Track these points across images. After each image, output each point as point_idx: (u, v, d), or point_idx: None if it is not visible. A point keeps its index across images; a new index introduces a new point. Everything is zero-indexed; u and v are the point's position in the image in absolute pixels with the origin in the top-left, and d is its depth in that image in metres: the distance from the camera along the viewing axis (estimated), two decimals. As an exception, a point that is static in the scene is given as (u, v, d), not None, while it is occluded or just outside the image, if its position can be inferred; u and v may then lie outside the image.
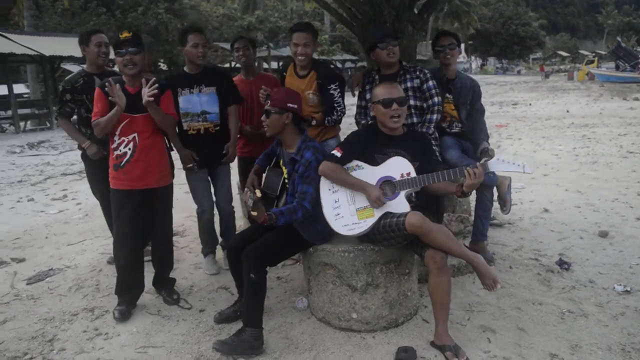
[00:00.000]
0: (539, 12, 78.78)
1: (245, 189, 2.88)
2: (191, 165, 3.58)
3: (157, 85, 3.04)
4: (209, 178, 3.81)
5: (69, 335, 3.02)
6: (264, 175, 3.08)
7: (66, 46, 16.46)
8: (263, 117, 2.92)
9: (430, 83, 3.39)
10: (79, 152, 3.85)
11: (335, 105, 3.51)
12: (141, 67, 3.14)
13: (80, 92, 3.67)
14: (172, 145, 3.55)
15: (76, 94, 3.67)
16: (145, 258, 3.52)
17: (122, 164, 3.16)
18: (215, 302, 3.37)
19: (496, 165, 2.56)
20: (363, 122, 3.55)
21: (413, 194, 2.80)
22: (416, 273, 3.09)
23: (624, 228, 4.44)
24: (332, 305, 2.92)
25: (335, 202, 2.76)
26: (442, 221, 3.45)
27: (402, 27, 3.75)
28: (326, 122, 3.53)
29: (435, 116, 3.37)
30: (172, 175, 3.45)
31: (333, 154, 2.78)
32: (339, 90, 3.51)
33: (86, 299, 3.49)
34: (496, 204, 3.76)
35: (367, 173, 2.75)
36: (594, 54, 55.82)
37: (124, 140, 3.15)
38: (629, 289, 3.24)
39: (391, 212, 2.65)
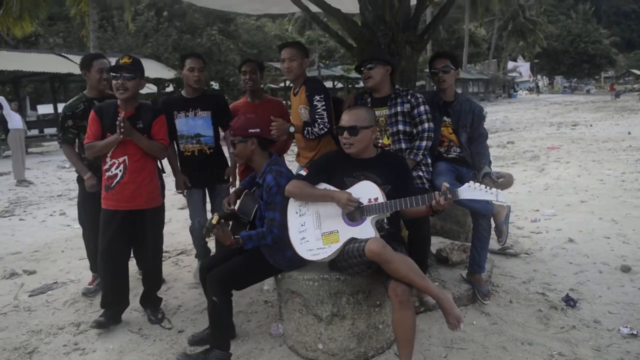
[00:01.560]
0: (612, 28, 74.85)
1: (214, 213, 2.87)
2: (181, 192, 3.64)
3: (122, 123, 3.03)
4: (208, 196, 3.85)
5: (49, 348, 3.10)
6: (240, 199, 3.06)
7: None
8: (231, 150, 2.92)
9: (422, 108, 3.25)
10: None
11: (317, 117, 3.36)
12: (134, 92, 3.21)
13: (81, 117, 3.59)
14: (163, 167, 3.61)
15: (77, 119, 3.62)
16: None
17: (112, 185, 3.24)
18: (196, 324, 3.36)
19: (466, 193, 2.40)
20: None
21: (385, 221, 2.68)
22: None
23: (653, 263, 4.04)
24: (299, 334, 2.82)
25: (302, 225, 2.68)
26: (425, 252, 3.29)
27: (399, 49, 3.65)
28: (305, 132, 3.36)
29: (424, 143, 3.23)
30: (163, 196, 3.50)
31: (299, 174, 2.72)
32: (323, 103, 3.37)
33: (77, 314, 3.58)
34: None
35: None
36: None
37: (115, 162, 3.23)
38: (635, 332, 2.91)
39: (356, 238, 2.54)
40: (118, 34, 23.95)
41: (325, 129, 3.38)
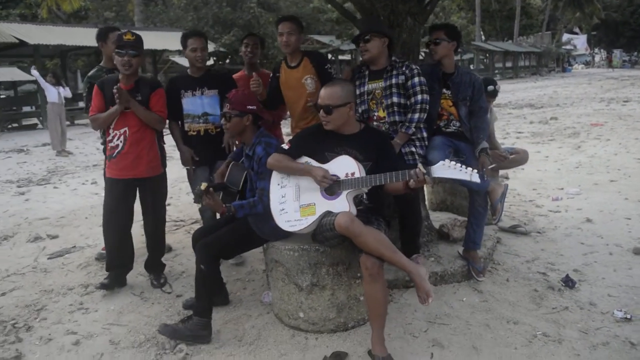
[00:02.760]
0: (682, -4, 69.29)
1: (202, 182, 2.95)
2: (188, 167, 3.72)
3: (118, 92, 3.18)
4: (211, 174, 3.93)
5: (56, 306, 3.32)
6: (228, 169, 3.12)
7: (173, 40, 17.65)
8: (223, 121, 2.96)
9: (416, 80, 3.18)
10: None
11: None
12: (137, 68, 3.33)
13: None
14: (163, 139, 3.69)
15: None
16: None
17: (114, 155, 3.39)
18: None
19: (440, 171, 2.35)
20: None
21: (364, 196, 2.68)
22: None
23: (671, 247, 3.84)
24: (282, 303, 2.89)
25: (282, 197, 2.72)
26: (415, 228, 3.26)
27: (400, 20, 3.55)
28: None
29: (417, 115, 3.16)
30: (164, 166, 3.61)
31: (281, 147, 2.75)
32: (333, 72, 3.52)
33: (88, 276, 3.80)
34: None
35: None
36: None
37: (116, 134, 3.37)
38: (629, 316, 2.81)
39: (331, 212, 2.55)
40: (168, 8, 24.31)
41: None
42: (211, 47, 21.96)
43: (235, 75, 4.14)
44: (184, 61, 20.83)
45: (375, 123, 3.30)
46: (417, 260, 3.24)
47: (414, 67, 3.22)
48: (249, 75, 4.02)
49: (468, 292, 3.22)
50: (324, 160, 2.67)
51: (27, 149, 11.21)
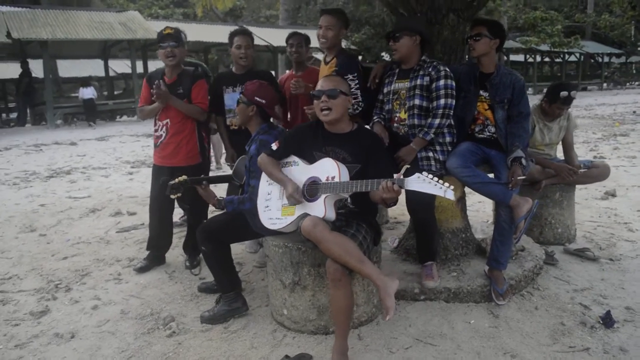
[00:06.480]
0: None
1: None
2: (229, 164, 3.90)
3: (160, 86, 3.42)
4: None
5: (98, 274, 3.72)
6: (236, 162, 3.21)
7: (312, 37, 18.60)
8: (236, 105, 3.06)
9: (441, 82, 2.96)
10: None
11: (352, 95, 3.36)
12: (180, 58, 3.60)
13: None
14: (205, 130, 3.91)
15: None
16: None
17: (157, 144, 3.70)
18: (218, 275, 3.66)
19: (414, 184, 2.17)
20: (376, 118, 3.30)
21: (348, 200, 2.58)
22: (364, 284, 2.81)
23: None
24: (272, 298, 2.92)
25: (268, 194, 2.73)
26: (428, 237, 3.04)
27: (440, 17, 3.30)
28: None
29: (438, 121, 2.94)
30: (204, 157, 3.81)
31: (270, 148, 2.75)
32: (356, 81, 3.35)
33: (139, 251, 4.18)
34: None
35: (300, 171, 2.63)
36: None
37: (160, 125, 3.67)
38: (659, 371, 2.32)
39: (307, 214, 2.50)
40: (327, 4, 25.53)
41: (360, 108, 3.34)
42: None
43: (284, 76, 4.23)
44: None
45: (395, 125, 3.15)
46: (427, 270, 3.04)
47: (441, 68, 3.00)
48: (296, 74, 4.07)
49: (480, 315, 2.92)
50: (312, 159, 2.63)
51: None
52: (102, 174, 7.88)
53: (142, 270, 3.71)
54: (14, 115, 19.10)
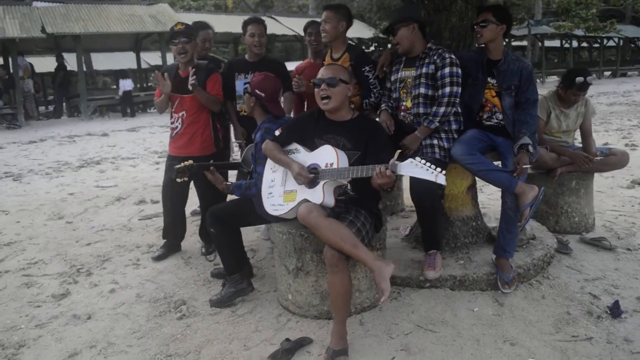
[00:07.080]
0: None
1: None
2: (240, 142, 3.99)
3: (195, 75, 3.54)
4: None
5: (119, 260, 3.88)
6: (244, 150, 3.29)
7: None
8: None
9: (447, 70, 2.95)
10: None
11: (371, 87, 3.44)
12: (193, 53, 3.69)
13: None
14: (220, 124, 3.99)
15: None
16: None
17: (173, 135, 3.82)
18: (232, 261, 3.76)
19: (406, 169, 2.20)
20: (383, 106, 3.32)
21: (349, 186, 2.62)
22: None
23: None
24: (278, 283, 2.99)
25: (272, 181, 2.80)
26: (431, 224, 3.05)
27: (448, 3, 3.27)
28: (364, 104, 3.46)
29: (443, 109, 2.94)
30: (217, 147, 3.90)
31: (274, 134, 2.81)
32: (374, 72, 3.42)
33: (158, 238, 4.30)
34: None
35: (301, 158, 2.67)
36: None
37: (176, 117, 3.79)
38: (661, 362, 2.29)
39: (307, 200, 2.56)
40: None
41: (380, 96, 3.41)
42: (371, 33, 22.29)
43: (302, 64, 4.26)
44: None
45: (402, 113, 3.17)
46: (430, 259, 3.06)
47: (447, 55, 2.99)
48: (315, 63, 4.10)
49: (485, 303, 2.92)
50: (313, 147, 2.68)
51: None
52: (130, 164, 8.13)
53: (159, 258, 3.84)
54: (52, 107, 19.77)
